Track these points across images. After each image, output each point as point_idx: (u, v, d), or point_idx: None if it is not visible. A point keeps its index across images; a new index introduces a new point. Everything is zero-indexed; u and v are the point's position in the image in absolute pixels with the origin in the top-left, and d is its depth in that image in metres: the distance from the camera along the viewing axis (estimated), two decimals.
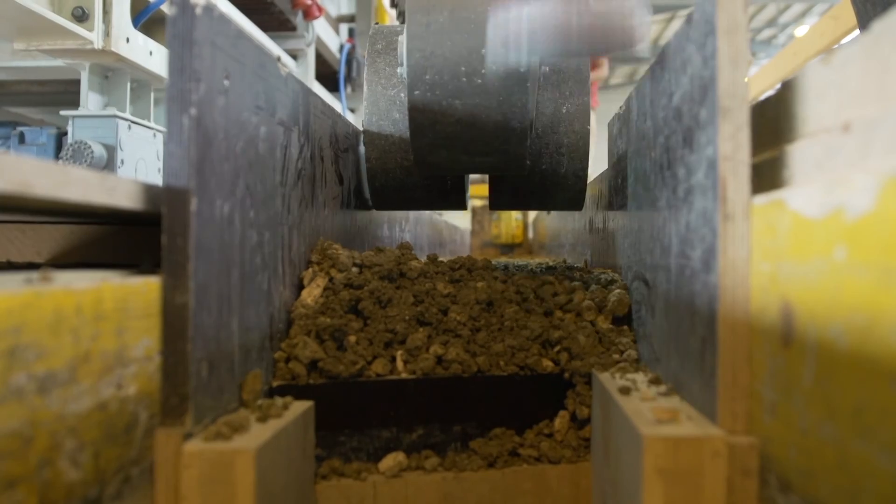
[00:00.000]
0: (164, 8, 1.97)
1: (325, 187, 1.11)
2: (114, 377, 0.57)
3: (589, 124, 1.22)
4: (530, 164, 1.18)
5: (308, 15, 3.23)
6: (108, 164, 1.92)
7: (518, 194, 1.31)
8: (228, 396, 0.72)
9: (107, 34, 1.78)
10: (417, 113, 0.99)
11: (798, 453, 0.52)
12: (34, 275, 0.52)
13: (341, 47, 4.01)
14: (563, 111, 1.21)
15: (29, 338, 0.48)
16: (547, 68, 1.19)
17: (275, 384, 0.84)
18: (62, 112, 1.95)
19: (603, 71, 5.16)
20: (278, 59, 0.87)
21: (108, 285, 0.57)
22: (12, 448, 0.46)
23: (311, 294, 0.92)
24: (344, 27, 4.32)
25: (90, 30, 1.73)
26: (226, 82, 0.71)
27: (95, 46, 1.75)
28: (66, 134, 2.00)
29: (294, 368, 0.85)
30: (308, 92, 1.02)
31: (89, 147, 1.85)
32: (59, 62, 1.98)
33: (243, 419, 0.68)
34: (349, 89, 4.02)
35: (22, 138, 2.09)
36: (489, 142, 1.02)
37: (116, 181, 0.62)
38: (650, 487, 0.60)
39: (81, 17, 1.72)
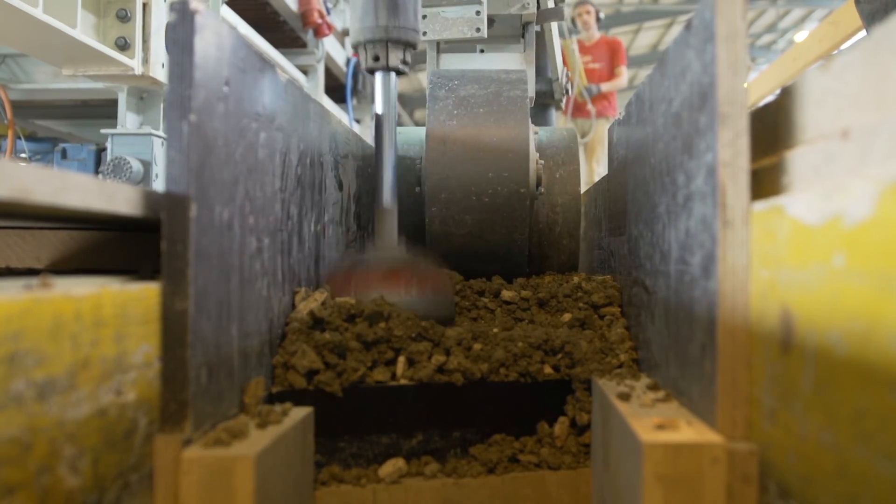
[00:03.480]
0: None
1: (324, 193, 1.11)
2: (113, 383, 0.57)
3: (579, 187, 1.42)
4: (529, 225, 1.35)
5: (318, 33, 3.30)
6: (145, 178, 2.09)
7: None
8: (228, 402, 0.72)
9: (145, 61, 1.98)
10: (434, 226, 1.19)
11: (797, 459, 0.52)
12: (34, 281, 0.52)
13: (348, 61, 4.07)
14: (557, 176, 1.41)
15: (28, 344, 0.48)
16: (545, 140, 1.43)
17: (274, 390, 0.84)
18: (103, 130, 2.14)
19: (622, 81, 5.14)
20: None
21: (108, 291, 0.57)
22: (11, 454, 0.46)
23: (308, 307, 0.92)
24: (350, 40, 4.36)
25: (131, 57, 1.94)
26: (225, 89, 0.71)
27: (136, 72, 1.95)
28: (104, 150, 2.20)
29: (291, 378, 0.84)
30: (307, 98, 1.02)
31: (128, 162, 2.02)
32: (81, 84, 2.21)
33: (243, 425, 0.68)
34: (355, 101, 4.10)
35: (64, 154, 2.33)
36: (494, 251, 1.22)
37: (115, 188, 0.62)
38: (650, 494, 0.60)
39: (124, 46, 1.93)
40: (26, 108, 2.60)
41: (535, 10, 1.56)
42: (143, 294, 0.61)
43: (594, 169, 5.01)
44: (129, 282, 0.62)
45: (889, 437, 0.41)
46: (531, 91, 1.48)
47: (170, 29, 0.65)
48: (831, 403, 0.48)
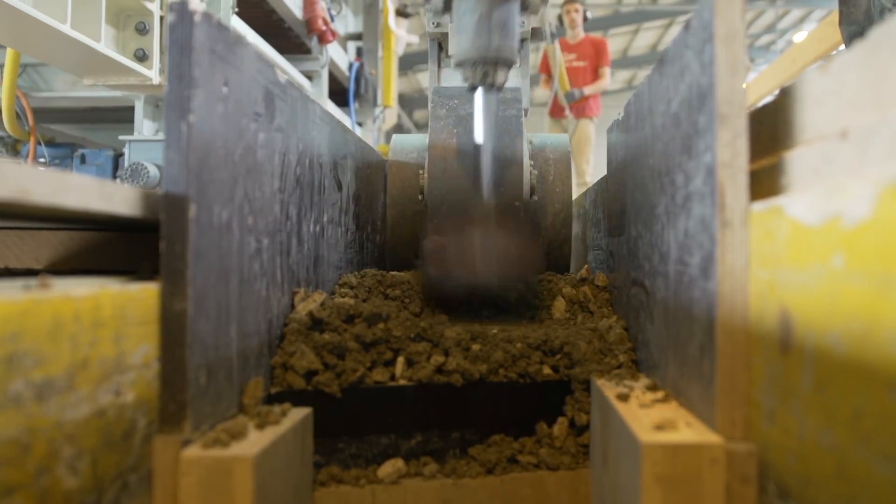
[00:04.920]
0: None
1: (323, 194, 1.11)
2: (112, 384, 0.57)
3: (571, 185, 1.52)
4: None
5: (322, 39, 3.33)
6: (161, 182, 2.14)
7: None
8: (227, 403, 0.72)
9: (162, 71, 2.04)
10: (435, 234, 1.25)
11: (796, 460, 0.52)
12: (32, 281, 0.52)
13: (350, 65, 4.10)
14: (550, 179, 1.51)
15: (27, 345, 0.48)
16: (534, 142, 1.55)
17: (273, 391, 0.84)
18: (121, 137, 2.21)
19: (605, 82, 5.17)
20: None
21: (107, 292, 0.57)
22: (10, 455, 0.46)
23: (307, 307, 0.92)
24: (352, 45, 4.40)
25: (149, 68, 2.01)
26: (224, 89, 0.71)
27: (153, 82, 2.02)
28: (121, 155, 2.28)
29: (290, 379, 0.84)
30: (307, 99, 1.02)
31: (145, 168, 2.10)
32: (98, 92, 2.30)
33: (242, 426, 0.68)
34: (357, 104, 4.16)
35: (83, 159, 2.41)
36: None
37: (114, 188, 0.62)
38: (649, 494, 0.60)
39: (142, 57, 2.00)
40: (44, 114, 2.67)
41: (530, 28, 1.66)
42: (142, 295, 0.61)
43: (584, 169, 5.04)
44: (128, 282, 0.62)
45: (888, 437, 0.41)
46: (525, 102, 1.57)
47: (169, 30, 0.65)
48: (830, 404, 0.48)
